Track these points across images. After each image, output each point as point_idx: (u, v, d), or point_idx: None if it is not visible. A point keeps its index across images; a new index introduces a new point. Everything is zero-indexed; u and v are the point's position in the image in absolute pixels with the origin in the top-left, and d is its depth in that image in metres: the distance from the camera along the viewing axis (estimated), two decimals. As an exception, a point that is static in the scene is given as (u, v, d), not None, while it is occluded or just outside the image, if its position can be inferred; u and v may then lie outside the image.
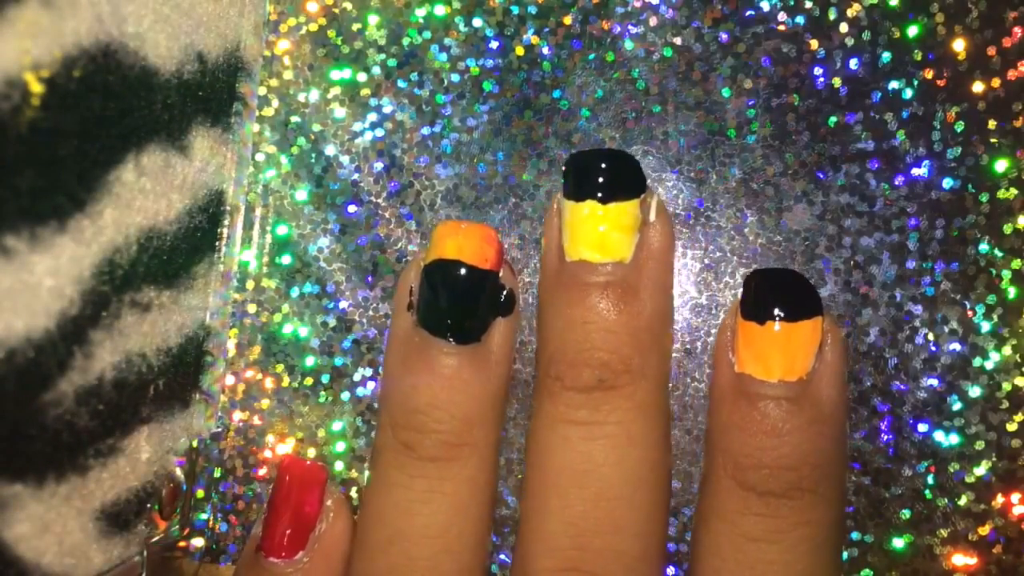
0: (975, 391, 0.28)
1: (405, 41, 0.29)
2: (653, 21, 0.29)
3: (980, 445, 0.28)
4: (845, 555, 0.28)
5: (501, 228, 0.29)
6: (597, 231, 0.26)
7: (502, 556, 0.29)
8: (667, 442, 0.27)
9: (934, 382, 0.28)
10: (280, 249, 0.30)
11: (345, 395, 0.29)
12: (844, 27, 0.28)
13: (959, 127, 0.28)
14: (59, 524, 0.25)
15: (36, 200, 0.22)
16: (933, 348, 0.28)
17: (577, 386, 0.26)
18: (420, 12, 0.29)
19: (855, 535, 0.28)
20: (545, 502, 0.26)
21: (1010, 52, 0.28)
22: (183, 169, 0.27)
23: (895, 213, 0.28)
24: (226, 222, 0.29)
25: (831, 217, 0.28)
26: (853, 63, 0.28)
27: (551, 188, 0.29)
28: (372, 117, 0.30)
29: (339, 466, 0.29)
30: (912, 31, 0.28)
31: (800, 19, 0.29)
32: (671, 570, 0.28)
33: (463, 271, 0.26)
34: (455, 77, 0.29)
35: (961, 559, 0.28)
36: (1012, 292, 0.28)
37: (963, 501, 0.28)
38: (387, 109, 0.30)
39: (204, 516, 0.29)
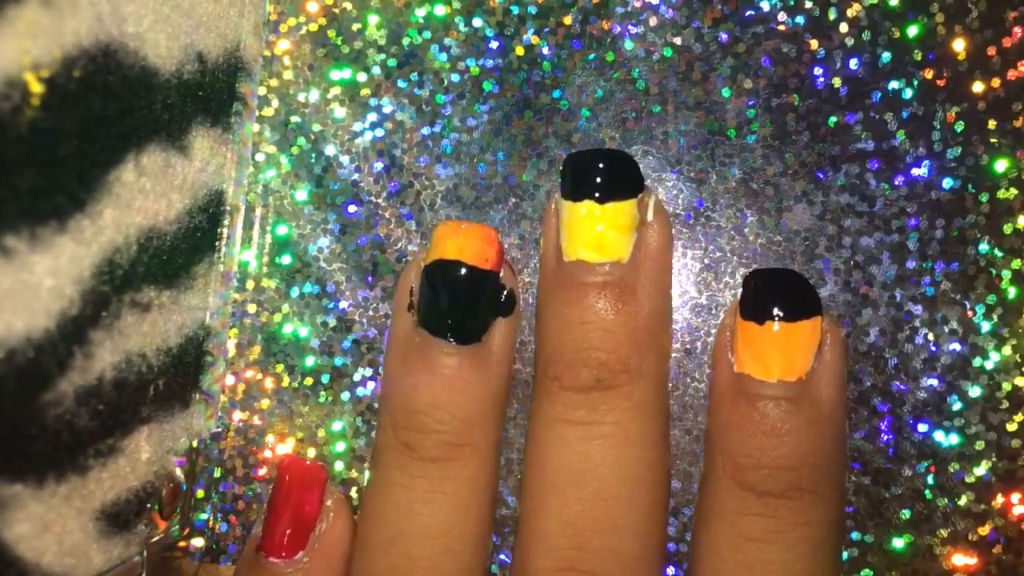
0: (975, 391, 0.28)
1: (405, 41, 0.29)
2: (653, 21, 0.29)
3: (980, 445, 0.28)
4: (845, 555, 0.28)
5: (501, 228, 0.29)
6: (594, 231, 0.26)
7: (502, 556, 0.29)
8: (666, 442, 0.27)
9: (934, 382, 0.28)
10: (280, 249, 0.30)
11: (345, 395, 0.29)
12: (844, 27, 0.28)
13: (959, 127, 0.28)
14: (59, 524, 0.25)
15: (36, 200, 0.22)
16: (933, 348, 0.28)
17: (575, 386, 0.26)
18: (420, 12, 0.29)
19: (855, 535, 0.28)
20: (543, 502, 0.26)
21: (1010, 52, 0.28)
22: (183, 169, 0.27)
23: (895, 213, 0.28)
24: (226, 222, 0.29)
25: (831, 217, 0.28)
26: (853, 63, 0.28)
27: (551, 188, 0.29)
28: (372, 117, 0.30)
29: (339, 466, 0.29)
30: (912, 31, 0.28)
31: (800, 19, 0.29)
32: (671, 570, 0.28)
33: (464, 271, 0.26)
34: (455, 77, 0.29)
35: (961, 559, 0.28)
36: (1012, 292, 0.28)
37: (963, 501, 0.28)
38: (387, 109, 0.30)
39: (204, 516, 0.29)
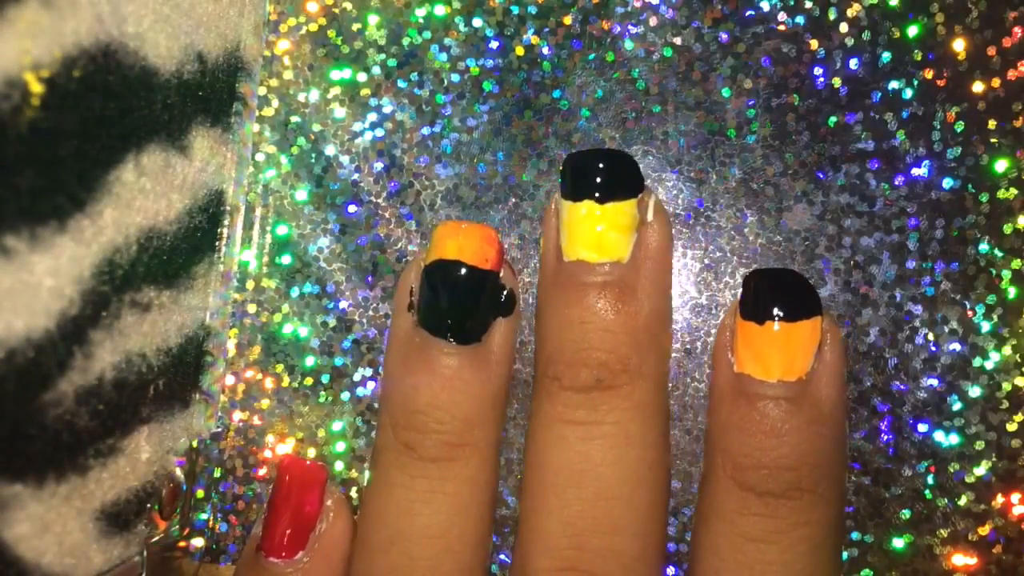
0: (975, 391, 0.28)
1: (405, 41, 0.29)
2: (653, 21, 0.29)
3: (980, 445, 0.28)
4: (845, 555, 0.28)
5: (501, 228, 0.29)
6: (594, 231, 0.26)
7: (502, 556, 0.29)
8: (666, 441, 0.27)
9: (934, 382, 0.28)
10: (280, 249, 0.30)
11: (345, 395, 0.29)
12: (844, 27, 0.28)
13: (959, 127, 0.28)
14: (59, 524, 0.25)
15: (36, 200, 0.22)
16: (933, 348, 0.28)
17: (575, 386, 0.26)
18: (420, 12, 0.29)
19: (855, 535, 0.28)
20: (543, 502, 0.26)
21: (1010, 52, 0.28)
22: (183, 169, 0.27)
23: (895, 213, 0.28)
24: (226, 222, 0.29)
25: (831, 217, 0.28)
26: (853, 63, 0.28)
27: (551, 188, 0.29)
28: (372, 117, 0.30)
29: (339, 466, 0.29)
30: (912, 31, 0.28)
31: (800, 19, 0.29)
32: (671, 570, 0.28)
33: (464, 271, 0.26)
34: (455, 77, 0.29)
35: (961, 559, 0.28)
36: (1012, 292, 0.28)
37: (963, 501, 0.28)
38: (387, 109, 0.30)
39: (204, 516, 0.29)
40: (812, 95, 0.28)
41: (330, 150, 0.30)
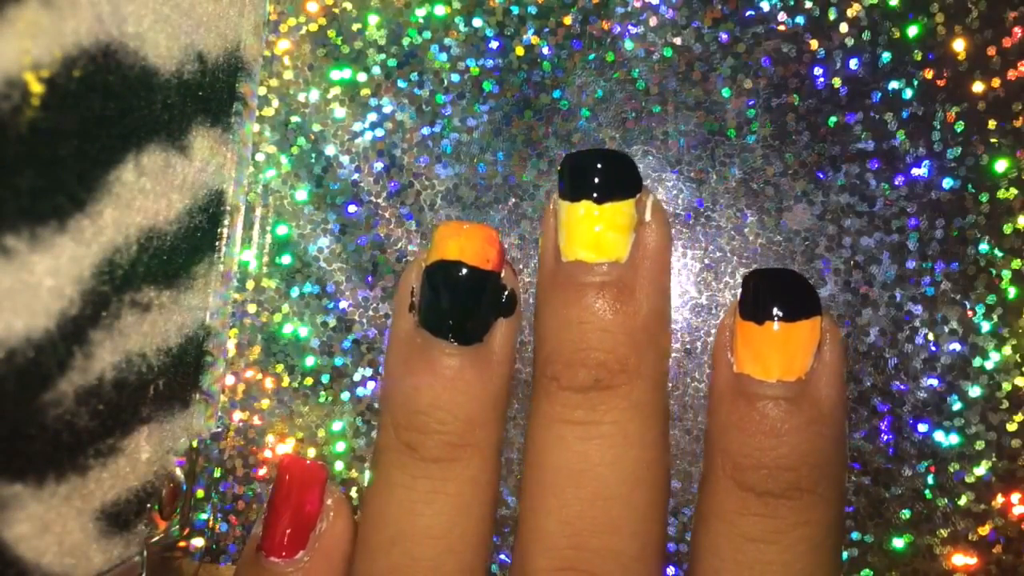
0: (975, 391, 0.28)
1: (405, 41, 0.29)
2: (653, 21, 0.29)
3: (980, 445, 0.28)
4: (845, 555, 0.28)
5: (501, 228, 0.29)
6: (593, 231, 0.26)
7: (502, 556, 0.29)
8: (665, 441, 0.27)
9: (934, 382, 0.28)
10: (280, 249, 0.30)
11: (345, 395, 0.29)
12: (844, 27, 0.28)
13: (959, 127, 0.28)
14: (59, 524, 0.25)
15: (36, 200, 0.22)
16: (933, 348, 0.28)
17: (573, 386, 0.26)
18: (420, 12, 0.29)
19: (855, 535, 0.28)
20: (542, 502, 0.26)
21: (1010, 52, 0.28)
22: (183, 169, 0.27)
23: (895, 213, 0.28)
24: (226, 222, 0.29)
25: (831, 217, 0.28)
26: (853, 63, 0.28)
27: (551, 188, 0.29)
28: (372, 117, 0.30)
29: (339, 466, 0.29)
30: (912, 31, 0.28)
31: (800, 19, 0.29)
32: (671, 570, 0.28)
33: (465, 272, 0.26)
34: (455, 77, 0.29)
35: (961, 559, 0.28)
36: (1012, 292, 0.28)
37: (963, 501, 0.28)
38: (387, 109, 0.30)
39: (204, 516, 0.30)
40: (812, 95, 0.28)
41: (330, 150, 0.30)
